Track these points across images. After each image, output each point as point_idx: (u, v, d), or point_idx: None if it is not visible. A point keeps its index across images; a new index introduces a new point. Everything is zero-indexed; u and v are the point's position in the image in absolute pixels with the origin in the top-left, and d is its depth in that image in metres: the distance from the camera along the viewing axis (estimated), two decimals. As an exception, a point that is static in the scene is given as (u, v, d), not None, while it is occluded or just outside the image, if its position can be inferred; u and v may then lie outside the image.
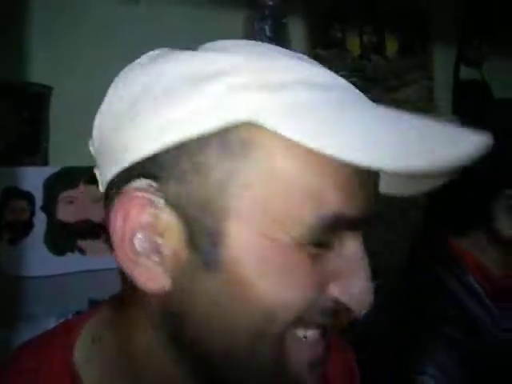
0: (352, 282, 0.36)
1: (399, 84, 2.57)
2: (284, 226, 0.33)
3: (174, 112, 0.33)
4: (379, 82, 2.50)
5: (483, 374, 0.63)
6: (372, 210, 0.37)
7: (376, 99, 1.91)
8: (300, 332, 0.36)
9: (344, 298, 0.36)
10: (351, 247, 0.36)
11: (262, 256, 0.33)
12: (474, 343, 0.63)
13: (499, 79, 2.73)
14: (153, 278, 0.34)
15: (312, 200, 0.33)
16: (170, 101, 0.34)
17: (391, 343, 0.67)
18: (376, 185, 0.39)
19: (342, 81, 0.42)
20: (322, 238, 0.34)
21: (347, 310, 0.36)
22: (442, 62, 2.65)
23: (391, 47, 2.58)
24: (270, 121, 0.33)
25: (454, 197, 0.71)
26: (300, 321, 0.35)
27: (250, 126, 0.34)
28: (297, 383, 0.37)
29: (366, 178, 0.37)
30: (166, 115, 0.34)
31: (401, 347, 0.64)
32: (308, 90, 0.35)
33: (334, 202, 0.34)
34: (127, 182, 0.36)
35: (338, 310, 0.36)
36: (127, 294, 0.39)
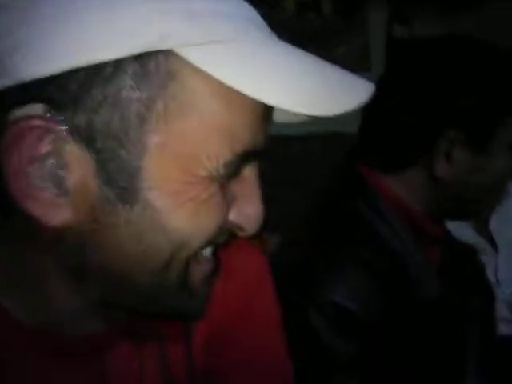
0: (248, 205, 0.38)
1: (336, 42, 2.61)
2: (199, 162, 0.34)
3: (85, 32, 0.31)
4: (316, 41, 2.53)
5: (397, 299, 0.64)
6: (268, 141, 0.39)
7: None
8: (203, 252, 0.39)
9: (239, 220, 0.38)
10: (249, 175, 0.39)
11: (178, 190, 0.34)
12: (389, 269, 0.64)
13: (426, 36, 2.85)
14: (51, 212, 0.33)
15: (227, 137, 0.34)
16: (80, 19, 0.31)
17: (301, 264, 0.68)
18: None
19: (251, 12, 0.40)
20: (234, 171, 0.36)
21: (239, 228, 0.39)
22: (376, 20, 2.72)
23: (327, 6, 2.61)
24: (191, 54, 0.32)
25: (388, 134, 0.72)
26: (208, 244, 0.38)
27: (170, 56, 0.32)
28: (196, 297, 0.40)
29: (269, 113, 0.38)
30: (75, 35, 0.31)
31: (309, 267, 0.65)
32: (227, 22, 0.34)
33: (246, 138, 0.35)
34: (20, 104, 0.32)
35: (232, 228, 0.39)
36: (16, 228, 0.38)
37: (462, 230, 1.03)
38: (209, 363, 0.49)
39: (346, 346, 0.59)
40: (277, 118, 0.42)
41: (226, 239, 0.40)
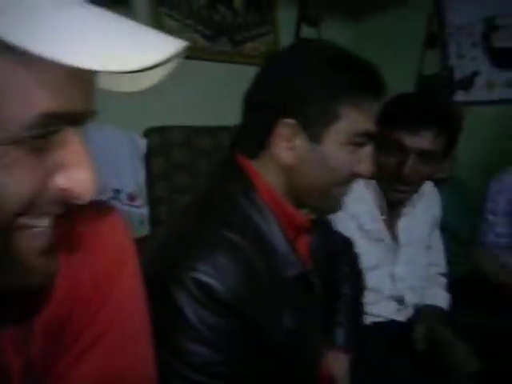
0: (76, 170, 0.38)
1: (246, 37, 2.62)
2: None
3: None
4: (226, 34, 2.51)
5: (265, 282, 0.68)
6: (90, 106, 0.39)
7: (224, 50, 1.87)
8: (31, 221, 0.38)
9: (69, 185, 0.38)
10: (72, 140, 0.38)
11: None
12: (259, 253, 0.66)
13: (333, 38, 2.99)
14: None
15: (20, 100, 0.34)
16: None
17: (174, 241, 0.69)
18: (92, 81, 0.40)
19: None
20: (40, 134, 0.35)
21: (72, 195, 0.39)
22: (286, 19, 2.78)
23: (238, 0, 2.60)
24: None
25: (244, 122, 0.76)
26: (28, 211, 0.37)
27: None
28: (28, 269, 0.38)
29: (78, 75, 0.37)
30: None
31: (181, 245, 0.66)
32: None
33: (45, 99, 0.35)
34: None
35: (66, 198, 0.39)
36: None
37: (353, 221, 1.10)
38: (47, 349, 0.46)
39: (211, 322, 0.61)
40: (104, 84, 0.43)
41: (64, 210, 0.39)
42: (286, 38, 2.77)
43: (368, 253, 1.12)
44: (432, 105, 1.11)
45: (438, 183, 1.56)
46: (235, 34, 2.55)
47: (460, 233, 1.55)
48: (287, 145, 0.69)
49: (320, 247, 0.84)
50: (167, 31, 1.96)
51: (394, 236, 1.19)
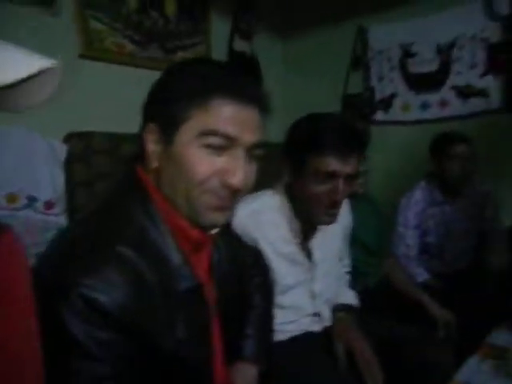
0: None
1: (178, 46, 2.60)
2: None
3: None
4: (158, 41, 2.48)
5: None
6: None
7: (154, 57, 1.83)
8: None
9: None
10: None
11: None
12: (151, 266, 0.66)
13: (263, 54, 3.09)
14: None
15: None
16: None
17: (67, 253, 0.67)
18: None
19: None
20: None
21: None
22: (219, 30, 2.81)
23: (170, 7, 2.58)
24: None
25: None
26: None
27: None
28: None
29: None
30: None
31: (71, 257, 0.65)
32: None
33: None
34: None
35: None
36: None
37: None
38: None
39: (99, 337, 0.60)
40: None
41: None
42: (218, 49, 2.80)
43: (286, 274, 1.16)
44: (356, 131, 1.13)
45: (352, 199, 1.65)
46: (167, 41, 2.53)
47: (371, 245, 1.66)
48: (152, 149, 0.71)
49: (224, 260, 0.85)
50: (93, 34, 1.92)
51: (310, 256, 1.23)
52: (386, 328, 1.30)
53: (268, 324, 1.01)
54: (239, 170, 0.70)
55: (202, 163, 0.68)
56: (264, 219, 1.16)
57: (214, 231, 0.81)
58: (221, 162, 0.69)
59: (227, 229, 0.95)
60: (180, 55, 2.60)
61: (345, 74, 3.03)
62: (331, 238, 1.30)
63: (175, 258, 0.71)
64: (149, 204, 0.71)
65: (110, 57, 2.24)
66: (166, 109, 0.70)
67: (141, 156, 0.74)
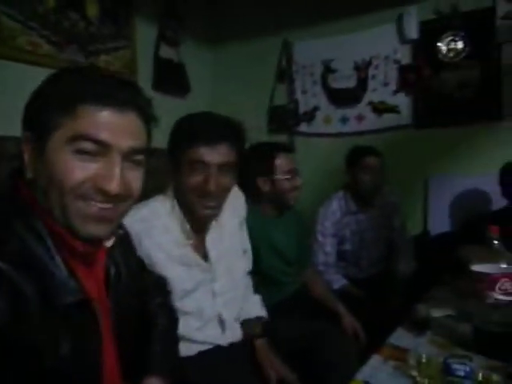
0: None
1: (100, 49, 2.51)
2: None
3: None
4: (78, 43, 2.37)
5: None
6: None
7: (74, 60, 1.74)
8: None
9: None
10: None
11: None
12: (30, 280, 0.64)
13: (192, 62, 3.09)
14: None
15: None
16: None
17: None
18: None
19: None
20: None
21: None
22: (145, 36, 2.76)
23: (91, 9, 2.49)
24: None
25: None
26: None
27: None
28: None
29: None
30: None
31: None
32: None
33: None
34: None
35: None
36: None
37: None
38: None
39: None
40: None
41: None
42: (144, 55, 2.75)
43: (183, 278, 1.16)
44: (227, 122, 1.18)
45: (284, 210, 1.71)
46: (88, 43, 2.43)
47: (291, 255, 1.71)
48: (28, 159, 0.69)
49: (124, 276, 0.84)
50: (5, 32, 1.79)
51: (207, 255, 1.23)
52: (298, 331, 1.35)
53: (173, 341, 1.01)
54: (114, 176, 0.69)
55: (74, 169, 0.67)
56: (154, 225, 1.16)
57: (108, 244, 0.79)
58: (94, 167, 0.68)
59: (126, 245, 0.93)
60: (103, 58, 2.51)
61: (272, 86, 3.12)
62: (229, 232, 1.30)
63: (60, 271, 0.68)
64: (30, 217, 0.68)
65: (24, 56, 2.10)
66: (38, 117, 0.69)
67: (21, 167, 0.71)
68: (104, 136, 0.68)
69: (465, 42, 2.46)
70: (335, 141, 2.86)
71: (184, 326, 1.11)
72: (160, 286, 1.06)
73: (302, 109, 3.02)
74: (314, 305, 1.69)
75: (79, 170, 0.68)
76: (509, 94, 2.38)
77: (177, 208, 1.21)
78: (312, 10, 2.92)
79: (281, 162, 1.63)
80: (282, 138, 2.99)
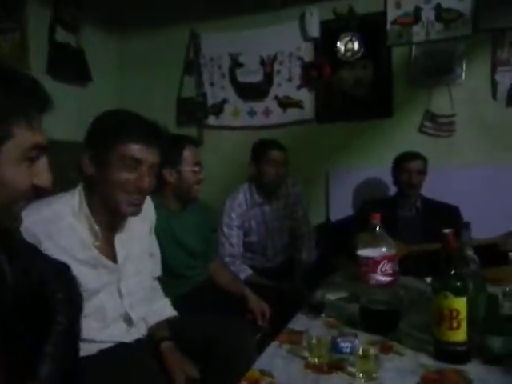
0: None
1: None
2: None
3: None
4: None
5: None
6: None
7: None
8: None
9: None
10: None
11: None
12: None
13: (94, 50, 2.91)
14: None
15: None
16: None
17: None
18: None
19: None
20: None
21: None
22: (38, 19, 2.54)
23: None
24: None
25: None
26: None
27: None
28: None
29: None
30: None
31: None
32: None
33: None
34: None
35: None
36: None
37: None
38: None
39: None
40: None
41: None
42: (36, 39, 2.53)
43: (88, 279, 1.10)
44: (152, 122, 1.19)
45: (188, 203, 1.69)
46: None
47: (196, 248, 1.71)
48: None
49: (7, 274, 0.78)
50: None
51: (115, 256, 1.20)
52: (204, 324, 1.36)
53: (71, 340, 0.96)
54: (48, 172, 0.74)
55: (26, 176, 0.70)
56: (57, 228, 1.09)
57: None
58: (35, 169, 0.72)
59: (16, 240, 0.87)
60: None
61: (179, 77, 3.07)
62: (138, 236, 1.29)
63: None
64: None
65: None
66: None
67: None
68: (44, 141, 0.71)
69: (360, 43, 2.65)
70: (243, 134, 2.91)
71: (84, 328, 1.06)
72: (59, 275, 0.99)
73: (210, 101, 3.02)
74: (218, 296, 1.71)
75: (30, 177, 0.71)
76: (397, 93, 2.61)
77: (85, 207, 1.15)
78: (219, 2, 2.92)
79: (188, 153, 1.64)
80: (191, 131, 2.97)
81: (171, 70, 3.08)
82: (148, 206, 1.29)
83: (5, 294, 0.76)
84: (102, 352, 1.14)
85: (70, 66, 2.72)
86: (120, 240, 1.22)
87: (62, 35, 2.69)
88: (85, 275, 1.08)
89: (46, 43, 2.62)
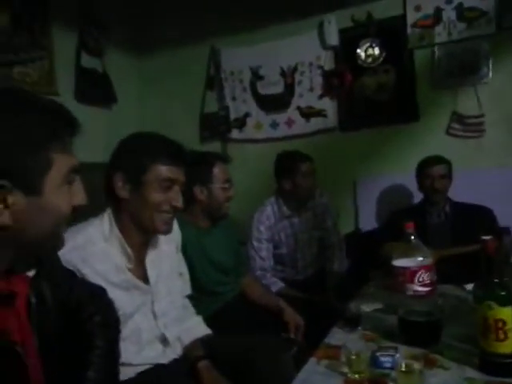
0: None
1: (14, 60, 2.36)
2: None
3: None
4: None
5: None
6: None
7: None
8: None
9: None
10: None
11: None
12: None
13: (117, 71, 2.99)
14: None
15: None
16: None
17: None
18: None
19: None
20: None
21: None
22: (64, 46, 2.64)
23: (3, 18, 2.33)
24: None
25: None
26: None
27: None
28: None
29: None
30: None
31: None
32: None
33: None
34: None
35: None
36: None
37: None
38: None
39: None
40: None
41: None
42: (64, 66, 2.61)
43: (123, 302, 1.11)
44: (176, 142, 1.22)
45: (218, 220, 1.70)
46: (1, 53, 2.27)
47: (227, 264, 1.71)
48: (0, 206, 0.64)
49: (48, 301, 0.80)
50: None
51: (146, 277, 1.21)
52: (239, 344, 1.35)
53: (111, 364, 0.96)
54: (83, 191, 0.77)
55: (69, 199, 0.75)
56: (90, 252, 1.11)
57: (30, 273, 0.74)
58: (73, 190, 0.76)
59: (56, 267, 0.89)
60: (18, 70, 2.36)
61: (201, 93, 3.11)
62: (167, 255, 1.30)
63: None
64: None
65: None
66: (17, 161, 0.66)
67: None
68: (78, 163, 0.74)
69: (381, 48, 2.62)
70: (267, 146, 2.91)
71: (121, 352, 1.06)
72: (96, 298, 1.00)
73: (232, 115, 3.04)
74: (251, 311, 1.69)
75: (70, 200, 0.74)
76: (422, 96, 2.56)
77: (116, 230, 1.17)
78: (237, 17, 2.95)
79: (218, 170, 1.65)
80: (214, 146, 3.00)
81: (193, 86, 3.13)
82: (174, 225, 1.30)
83: (46, 319, 0.78)
84: (140, 375, 1.15)
85: (96, 89, 2.80)
86: (151, 261, 1.23)
87: (87, 60, 2.78)
88: (120, 298, 1.09)
89: (73, 69, 2.71)
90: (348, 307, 1.52)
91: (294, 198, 2.16)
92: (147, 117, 3.25)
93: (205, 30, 3.06)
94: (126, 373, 1.10)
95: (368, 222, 2.61)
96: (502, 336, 0.97)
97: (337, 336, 1.34)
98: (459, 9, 2.44)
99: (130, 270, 1.17)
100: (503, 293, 0.97)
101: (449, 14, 2.46)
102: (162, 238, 1.27)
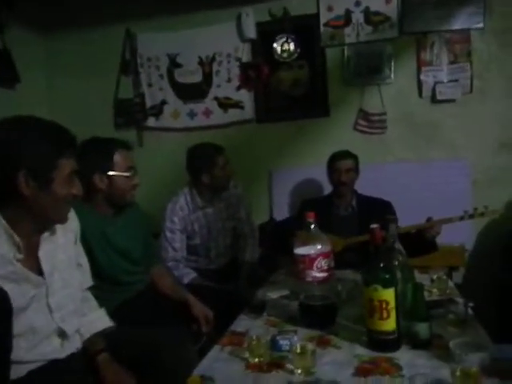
0: None
1: None
2: None
3: None
4: None
5: None
6: None
7: None
8: None
9: None
10: None
11: None
12: None
13: (21, 49, 2.75)
14: None
15: None
16: None
17: None
18: None
19: None
20: None
21: None
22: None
23: None
24: None
25: None
26: None
27: None
28: None
29: None
30: None
31: None
32: None
33: None
34: None
35: None
36: None
37: None
38: None
39: None
40: None
41: None
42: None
43: (13, 295, 1.02)
44: (64, 128, 1.19)
45: (123, 208, 1.64)
46: None
47: (135, 253, 1.67)
48: None
49: None
50: None
51: (40, 268, 1.14)
52: (143, 336, 1.33)
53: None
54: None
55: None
56: None
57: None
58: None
59: None
60: None
61: (115, 78, 2.97)
62: (64, 246, 1.24)
63: None
64: None
65: None
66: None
67: None
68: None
69: (296, 44, 2.70)
70: (184, 135, 2.88)
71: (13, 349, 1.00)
72: None
73: (148, 103, 2.95)
74: (161, 302, 1.67)
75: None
76: (333, 92, 2.69)
77: (3, 222, 1.08)
78: (155, 1, 2.86)
79: (120, 158, 1.57)
80: (130, 134, 2.88)
81: (107, 70, 2.98)
82: (71, 215, 1.24)
83: None
84: (32, 373, 1.09)
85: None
86: (44, 252, 1.16)
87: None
88: (9, 292, 1.01)
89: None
90: (255, 295, 1.58)
91: (211, 189, 2.16)
92: (57, 100, 3.03)
93: (120, 11, 2.91)
94: (16, 371, 1.04)
95: (282, 212, 2.70)
96: (385, 315, 1.07)
97: (242, 323, 1.38)
98: (366, 12, 2.60)
99: (19, 261, 1.09)
100: (387, 276, 1.07)
101: (357, 16, 2.61)
102: (58, 229, 1.20)
